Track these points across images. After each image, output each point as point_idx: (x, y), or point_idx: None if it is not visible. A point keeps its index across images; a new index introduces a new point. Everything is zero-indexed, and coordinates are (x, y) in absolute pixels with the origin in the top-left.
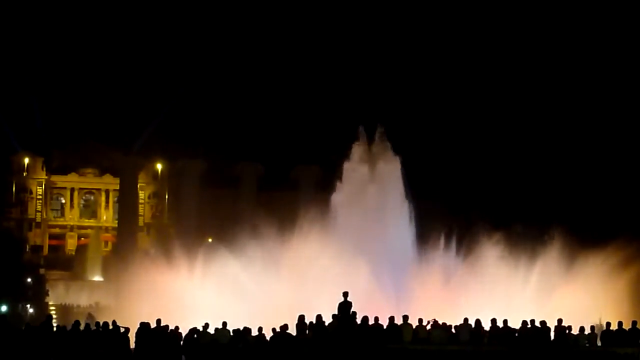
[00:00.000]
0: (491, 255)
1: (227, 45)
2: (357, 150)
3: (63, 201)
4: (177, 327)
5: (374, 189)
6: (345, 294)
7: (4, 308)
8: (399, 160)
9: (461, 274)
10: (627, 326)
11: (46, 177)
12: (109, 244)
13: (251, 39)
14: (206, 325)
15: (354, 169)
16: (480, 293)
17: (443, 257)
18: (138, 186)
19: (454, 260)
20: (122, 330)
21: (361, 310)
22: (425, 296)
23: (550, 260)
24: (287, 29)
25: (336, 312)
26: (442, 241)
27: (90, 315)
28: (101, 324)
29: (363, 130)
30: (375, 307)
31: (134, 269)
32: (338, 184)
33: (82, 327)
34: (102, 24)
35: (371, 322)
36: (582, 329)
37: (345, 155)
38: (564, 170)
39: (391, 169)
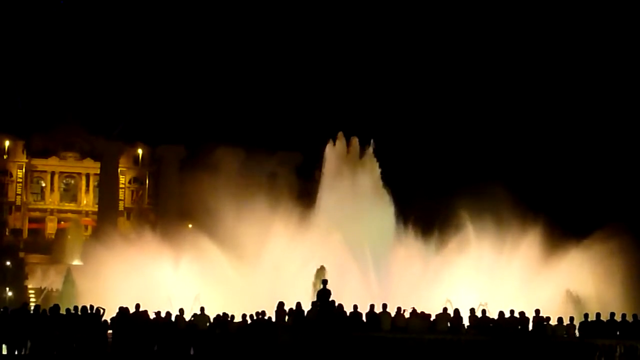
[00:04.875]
0: (472, 241)
1: (208, 29)
2: (340, 140)
3: (43, 185)
4: (158, 312)
5: (353, 178)
6: (325, 282)
7: None
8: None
9: (440, 259)
10: (605, 317)
11: (27, 161)
12: (89, 228)
13: (232, 23)
14: (181, 311)
15: (335, 157)
16: (461, 277)
17: (422, 242)
18: (119, 171)
19: (433, 245)
20: (101, 311)
21: (341, 297)
22: (405, 280)
23: (532, 246)
24: (269, 15)
25: (315, 300)
26: (413, 227)
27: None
28: (79, 307)
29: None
30: (355, 295)
31: (114, 253)
32: (317, 172)
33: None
34: (84, 8)
35: (350, 310)
36: (560, 319)
37: (325, 144)
38: (549, 159)
39: (370, 160)
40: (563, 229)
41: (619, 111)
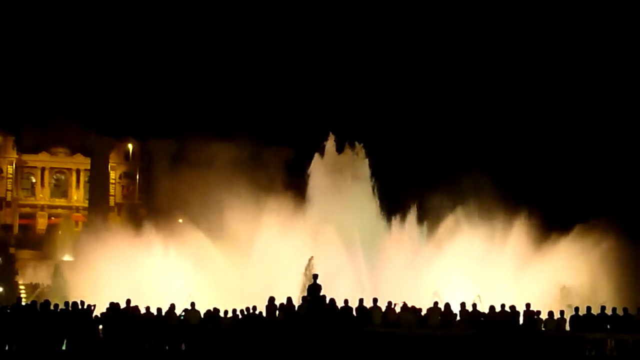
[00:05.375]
0: (461, 230)
1: (198, 24)
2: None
3: (34, 180)
4: (147, 308)
5: (343, 175)
6: (315, 277)
7: None
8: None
9: (430, 248)
10: (595, 311)
11: (17, 156)
12: (80, 223)
13: (223, 18)
14: (173, 306)
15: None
16: (452, 266)
17: (411, 231)
18: (109, 166)
19: (423, 233)
20: (92, 308)
21: (332, 291)
22: (397, 269)
23: (521, 236)
24: (259, 9)
25: (306, 295)
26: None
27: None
28: (70, 303)
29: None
30: (346, 284)
31: (104, 248)
32: (307, 164)
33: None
34: (74, 4)
35: (340, 304)
36: (550, 313)
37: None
38: (536, 150)
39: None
40: (551, 219)
41: (606, 102)
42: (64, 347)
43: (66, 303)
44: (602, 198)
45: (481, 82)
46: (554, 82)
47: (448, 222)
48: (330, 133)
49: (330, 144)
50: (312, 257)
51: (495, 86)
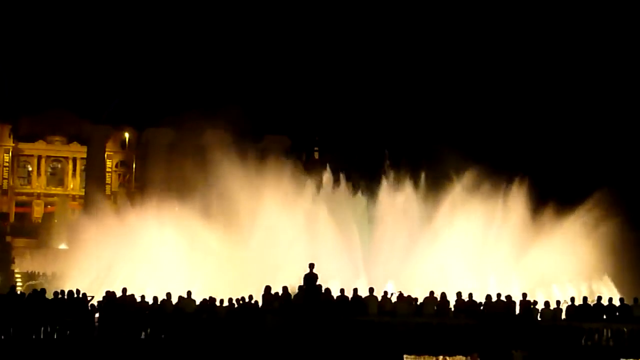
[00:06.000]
0: (462, 210)
1: (194, 11)
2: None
3: (30, 169)
4: (142, 296)
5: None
6: (311, 266)
7: None
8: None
9: (431, 229)
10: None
11: (13, 145)
12: (76, 212)
13: (220, 8)
14: (169, 295)
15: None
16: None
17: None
18: (105, 154)
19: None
20: (88, 298)
21: (327, 275)
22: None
23: (523, 215)
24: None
25: (302, 284)
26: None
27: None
28: (66, 292)
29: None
30: (341, 277)
31: (100, 237)
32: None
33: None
34: None
35: (336, 293)
36: (547, 303)
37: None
38: (537, 123)
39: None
40: (547, 193)
41: (603, 69)
42: (55, 336)
43: (62, 292)
44: (600, 169)
45: (471, 64)
46: (547, 52)
47: (446, 201)
48: (327, 165)
49: (326, 177)
50: (313, 264)
51: (486, 68)
